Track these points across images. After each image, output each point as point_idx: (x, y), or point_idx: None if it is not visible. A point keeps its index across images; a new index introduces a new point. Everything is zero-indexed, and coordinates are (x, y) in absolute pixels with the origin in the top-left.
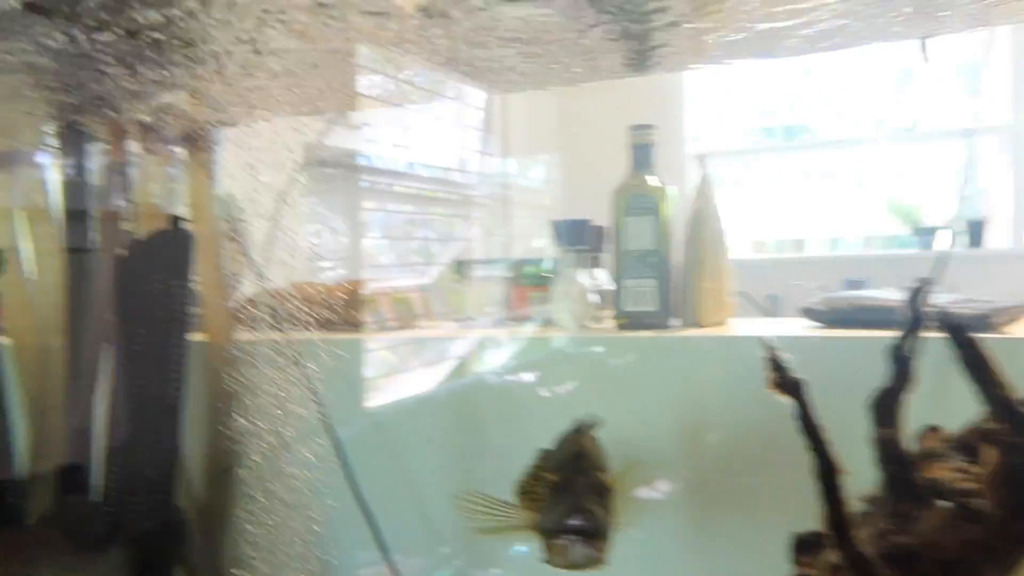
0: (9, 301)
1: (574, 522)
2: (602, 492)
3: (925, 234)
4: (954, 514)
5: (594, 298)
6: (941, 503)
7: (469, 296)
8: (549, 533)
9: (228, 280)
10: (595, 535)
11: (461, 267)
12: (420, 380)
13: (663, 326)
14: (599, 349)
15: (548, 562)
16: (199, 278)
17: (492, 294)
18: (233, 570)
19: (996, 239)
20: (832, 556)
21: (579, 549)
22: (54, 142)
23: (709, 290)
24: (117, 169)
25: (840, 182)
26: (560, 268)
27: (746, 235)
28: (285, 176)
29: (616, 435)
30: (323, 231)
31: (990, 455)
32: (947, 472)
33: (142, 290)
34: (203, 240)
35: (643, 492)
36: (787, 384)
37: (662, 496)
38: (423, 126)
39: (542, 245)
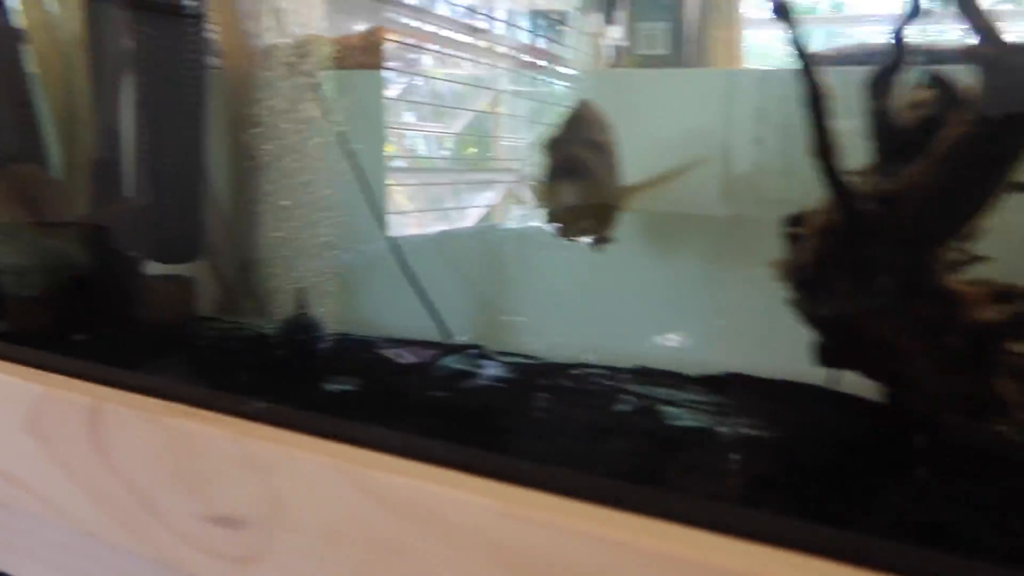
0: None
1: (561, 166)
2: (597, 148)
3: None
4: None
5: (608, 40)
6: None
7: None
8: (544, 183)
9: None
10: (581, 178)
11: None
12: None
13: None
14: (611, 86)
15: (548, 213)
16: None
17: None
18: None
19: None
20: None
21: (565, 189)
22: None
23: (720, 38)
24: None
25: None
26: (576, 13)
27: None
28: None
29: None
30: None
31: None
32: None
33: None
34: None
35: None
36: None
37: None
38: None
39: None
